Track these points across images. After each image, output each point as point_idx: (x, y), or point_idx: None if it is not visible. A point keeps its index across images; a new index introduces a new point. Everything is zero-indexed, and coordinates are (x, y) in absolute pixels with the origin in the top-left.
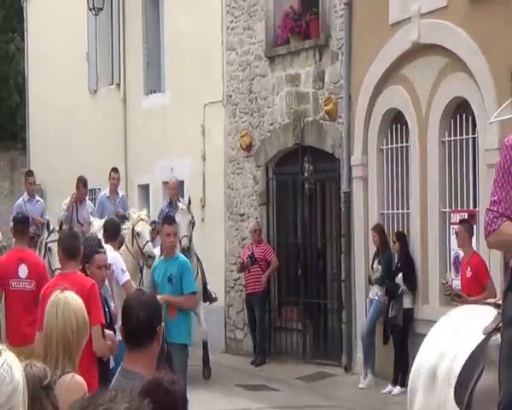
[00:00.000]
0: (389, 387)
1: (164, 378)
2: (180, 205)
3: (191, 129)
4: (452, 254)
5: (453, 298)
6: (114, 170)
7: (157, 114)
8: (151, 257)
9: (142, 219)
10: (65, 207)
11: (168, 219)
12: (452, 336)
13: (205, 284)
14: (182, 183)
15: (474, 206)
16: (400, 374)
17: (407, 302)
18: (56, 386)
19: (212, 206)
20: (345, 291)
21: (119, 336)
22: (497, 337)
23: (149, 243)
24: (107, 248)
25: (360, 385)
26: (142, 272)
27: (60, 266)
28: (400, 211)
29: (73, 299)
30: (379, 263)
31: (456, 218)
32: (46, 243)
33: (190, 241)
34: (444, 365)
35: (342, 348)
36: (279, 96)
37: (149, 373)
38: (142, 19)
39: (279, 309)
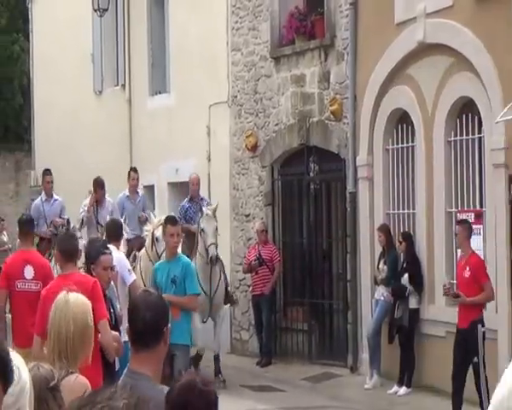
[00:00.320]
0: (395, 387)
1: (197, 379)
2: (205, 210)
3: (196, 130)
4: (459, 254)
5: (451, 298)
6: (134, 170)
7: (162, 115)
8: None
9: (162, 225)
10: (85, 209)
11: (171, 219)
12: None
13: (226, 288)
14: (187, 184)
15: (481, 206)
16: (406, 375)
17: (413, 303)
18: (60, 387)
19: (218, 206)
20: (350, 292)
21: (124, 337)
22: None
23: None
24: (111, 249)
25: (366, 386)
26: None
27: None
28: (406, 211)
29: (76, 300)
30: (384, 263)
31: (462, 218)
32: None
33: (217, 248)
34: None
35: (348, 349)
36: (284, 96)
37: (156, 374)
38: (147, 19)
39: (285, 310)
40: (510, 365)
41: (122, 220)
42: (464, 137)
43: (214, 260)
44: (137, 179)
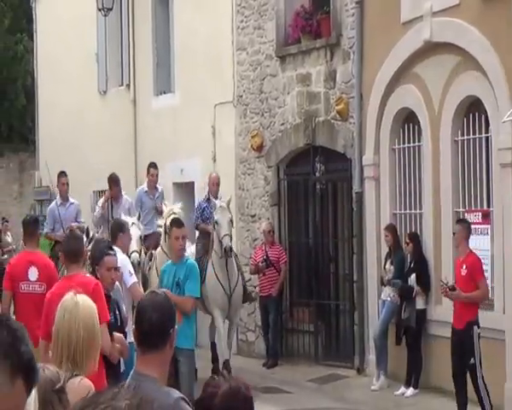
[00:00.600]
0: (402, 389)
1: (241, 385)
2: (218, 202)
3: (201, 130)
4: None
5: (446, 292)
6: (153, 166)
7: (167, 115)
8: None
9: (173, 213)
10: (100, 205)
11: (176, 221)
12: None
13: (245, 287)
14: (192, 184)
15: (488, 205)
16: (413, 376)
17: (420, 303)
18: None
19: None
20: (357, 292)
21: (130, 339)
22: None
23: None
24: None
25: (373, 387)
26: None
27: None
28: (413, 211)
29: (84, 302)
30: (391, 264)
31: (470, 218)
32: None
33: (231, 240)
34: None
35: (354, 350)
36: (290, 95)
37: (162, 376)
38: (152, 19)
39: (291, 311)
40: None
41: (136, 217)
42: (471, 136)
43: (228, 251)
44: (157, 175)
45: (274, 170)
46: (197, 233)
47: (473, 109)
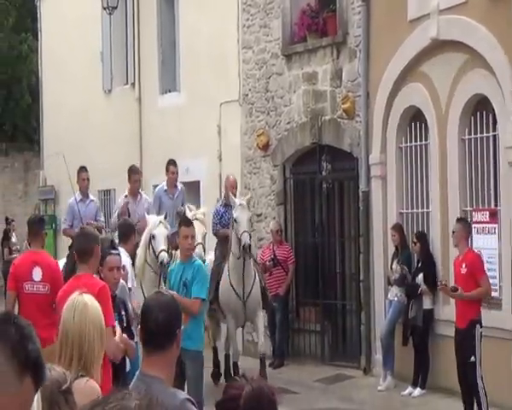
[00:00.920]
0: (409, 389)
1: (264, 387)
2: (238, 200)
3: (207, 129)
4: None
5: (447, 293)
6: (173, 163)
7: (172, 114)
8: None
9: (196, 219)
10: (121, 203)
11: (185, 220)
12: None
13: (264, 290)
14: (198, 183)
15: (496, 204)
16: (420, 376)
17: (427, 303)
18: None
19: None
20: (363, 292)
21: (136, 338)
22: None
23: (200, 246)
24: (121, 251)
25: (379, 387)
26: None
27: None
28: (420, 210)
29: (92, 303)
30: (398, 263)
31: (477, 217)
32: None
33: (251, 238)
34: None
35: (361, 350)
36: (296, 94)
37: (168, 377)
38: (157, 17)
39: (297, 310)
40: None
41: (163, 216)
42: (478, 135)
43: (247, 249)
44: (177, 173)
45: (280, 169)
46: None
47: (480, 108)
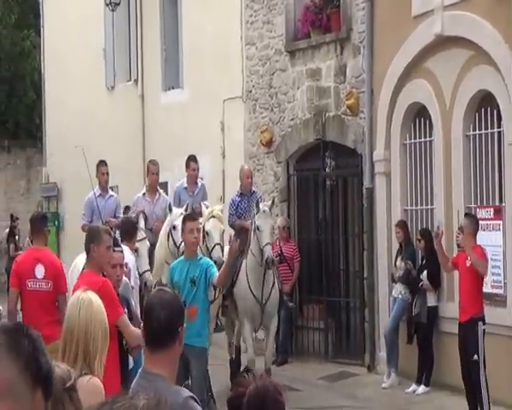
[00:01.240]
0: (413, 386)
1: (269, 386)
2: (262, 206)
3: (210, 125)
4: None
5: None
6: (193, 159)
7: (175, 111)
8: (217, 264)
9: (213, 217)
10: (137, 202)
11: (189, 216)
12: None
13: (282, 295)
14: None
15: (500, 201)
16: (424, 373)
17: (431, 300)
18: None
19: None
20: (367, 289)
21: None
22: None
23: (218, 248)
24: (124, 249)
25: (383, 385)
26: None
27: (147, 268)
28: (424, 207)
29: (96, 300)
30: (402, 260)
31: (482, 213)
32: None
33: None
34: None
35: (365, 347)
36: (300, 90)
37: (171, 375)
38: (160, 13)
39: (301, 308)
40: None
41: (184, 208)
42: (483, 131)
43: (270, 263)
44: (198, 170)
45: (283, 166)
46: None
47: (485, 104)
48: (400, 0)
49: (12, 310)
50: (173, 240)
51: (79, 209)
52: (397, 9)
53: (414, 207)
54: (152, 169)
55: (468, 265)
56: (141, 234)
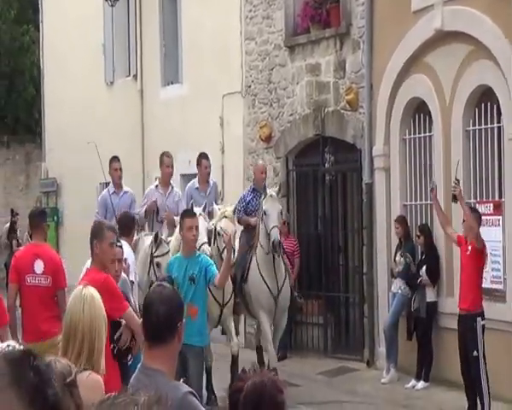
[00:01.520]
0: (412, 382)
1: (267, 383)
2: (268, 191)
3: (209, 120)
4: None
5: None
6: (205, 156)
7: (175, 106)
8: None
9: (225, 217)
10: (150, 195)
11: (188, 212)
12: None
13: (292, 290)
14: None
15: (500, 196)
16: (424, 369)
17: (431, 295)
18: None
19: (232, 199)
20: (367, 284)
21: None
22: None
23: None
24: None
25: (383, 380)
26: None
27: None
28: (423, 202)
29: (97, 295)
30: (401, 256)
31: (481, 209)
32: (153, 257)
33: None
34: None
35: (364, 343)
36: (299, 85)
37: (170, 370)
38: (159, 8)
39: None
40: None
41: (202, 208)
42: (483, 126)
43: (277, 246)
44: (210, 167)
45: (283, 161)
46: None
47: (484, 99)
48: None
49: (11, 306)
50: None
51: (79, 205)
52: (396, 4)
53: (413, 203)
54: (166, 162)
55: (468, 253)
56: (164, 248)
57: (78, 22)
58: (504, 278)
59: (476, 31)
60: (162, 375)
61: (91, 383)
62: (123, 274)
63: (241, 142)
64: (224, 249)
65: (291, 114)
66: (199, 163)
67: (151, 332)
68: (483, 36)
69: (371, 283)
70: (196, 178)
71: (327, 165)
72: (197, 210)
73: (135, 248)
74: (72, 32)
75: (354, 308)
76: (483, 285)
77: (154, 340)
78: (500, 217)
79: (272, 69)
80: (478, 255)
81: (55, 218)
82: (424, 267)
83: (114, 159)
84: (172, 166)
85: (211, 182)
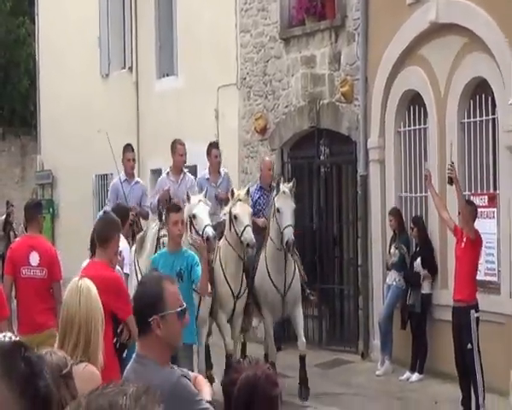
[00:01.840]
0: (407, 374)
1: (260, 376)
2: (281, 187)
3: (205, 112)
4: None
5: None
6: (215, 146)
7: (170, 98)
8: (250, 246)
9: (240, 200)
10: (162, 182)
11: (173, 207)
12: None
13: (303, 285)
14: (195, 167)
15: (495, 188)
16: (418, 361)
17: (426, 288)
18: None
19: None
20: (361, 276)
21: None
22: None
23: (248, 229)
24: None
25: (377, 372)
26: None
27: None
28: (418, 194)
29: (93, 287)
30: (396, 248)
31: (476, 201)
32: (159, 238)
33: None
34: None
35: (359, 335)
36: (294, 78)
37: (162, 358)
38: (155, 1)
39: None
40: None
41: (203, 194)
42: (478, 118)
43: (291, 246)
44: (220, 156)
45: (278, 153)
46: None
47: (479, 91)
48: None
49: (6, 298)
50: (195, 229)
51: (74, 197)
52: None
53: (408, 195)
54: (179, 150)
55: (463, 246)
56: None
57: (74, 15)
58: (498, 271)
59: (471, 23)
60: (153, 362)
61: (87, 374)
62: (117, 267)
63: (237, 134)
64: (243, 231)
65: (286, 106)
66: (209, 153)
67: (137, 323)
68: (478, 28)
69: (366, 275)
70: (207, 169)
71: (322, 157)
72: (196, 198)
73: (144, 234)
74: (68, 24)
75: (349, 300)
76: (477, 277)
77: (139, 330)
78: (495, 209)
79: (267, 61)
80: (473, 248)
81: (51, 210)
82: (419, 259)
83: (128, 147)
84: (185, 154)
85: (222, 172)
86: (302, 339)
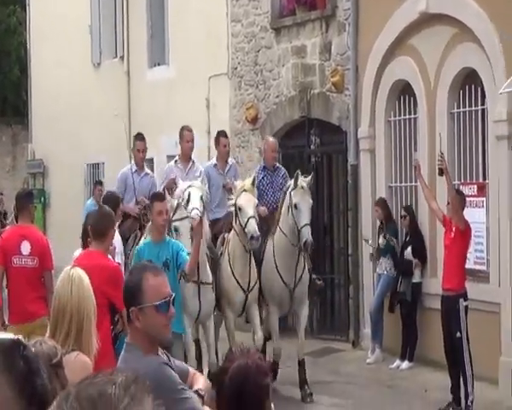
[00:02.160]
0: (397, 362)
1: (251, 366)
2: (299, 181)
3: (196, 102)
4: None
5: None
6: (224, 134)
7: (161, 87)
8: (254, 238)
9: (245, 190)
10: (168, 171)
11: (158, 195)
12: None
13: (310, 273)
14: None
15: (484, 178)
16: (408, 349)
17: (416, 276)
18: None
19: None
20: (352, 266)
21: None
22: None
23: (252, 221)
24: None
25: (368, 360)
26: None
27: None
28: (408, 184)
29: (85, 276)
30: (384, 238)
31: (465, 190)
32: (171, 221)
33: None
34: None
35: (349, 324)
36: (285, 67)
37: (146, 346)
38: None
39: None
40: None
41: (200, 180)
42: (467, 108)
43: (309, 246)
44: (229, 145)
45: None
46: None
47: (469, 81)
48: None
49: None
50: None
51: (66, 186)
52: None
53: (398, 184)
54: (187, 136)
55: (452, 235)
56: (182, 212)
57: (65, 3)
58: (488, 259)
59: (461, 13)
60: (137, 349)
61: (79, 363)
62: (109, 256)
63: (228, 123)
64: (247, 222)
65: (277, 96)
66: (217, 142)
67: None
68: (468, 19)
69: (356, 264)
70: (214, 158)
71: (312, 146)
72: (184, 185)
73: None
74: (59, 13)
75: (339, 290)
76: (466, 266)
77: (127, 319)
78: (484, 198)
79: (258, 51)
80: (462, 237)
81: (42, 199)
82: (409, 248)
83: (138, 136)
84: (193, 141)
85: (230, 161)
86: (302, 339)
